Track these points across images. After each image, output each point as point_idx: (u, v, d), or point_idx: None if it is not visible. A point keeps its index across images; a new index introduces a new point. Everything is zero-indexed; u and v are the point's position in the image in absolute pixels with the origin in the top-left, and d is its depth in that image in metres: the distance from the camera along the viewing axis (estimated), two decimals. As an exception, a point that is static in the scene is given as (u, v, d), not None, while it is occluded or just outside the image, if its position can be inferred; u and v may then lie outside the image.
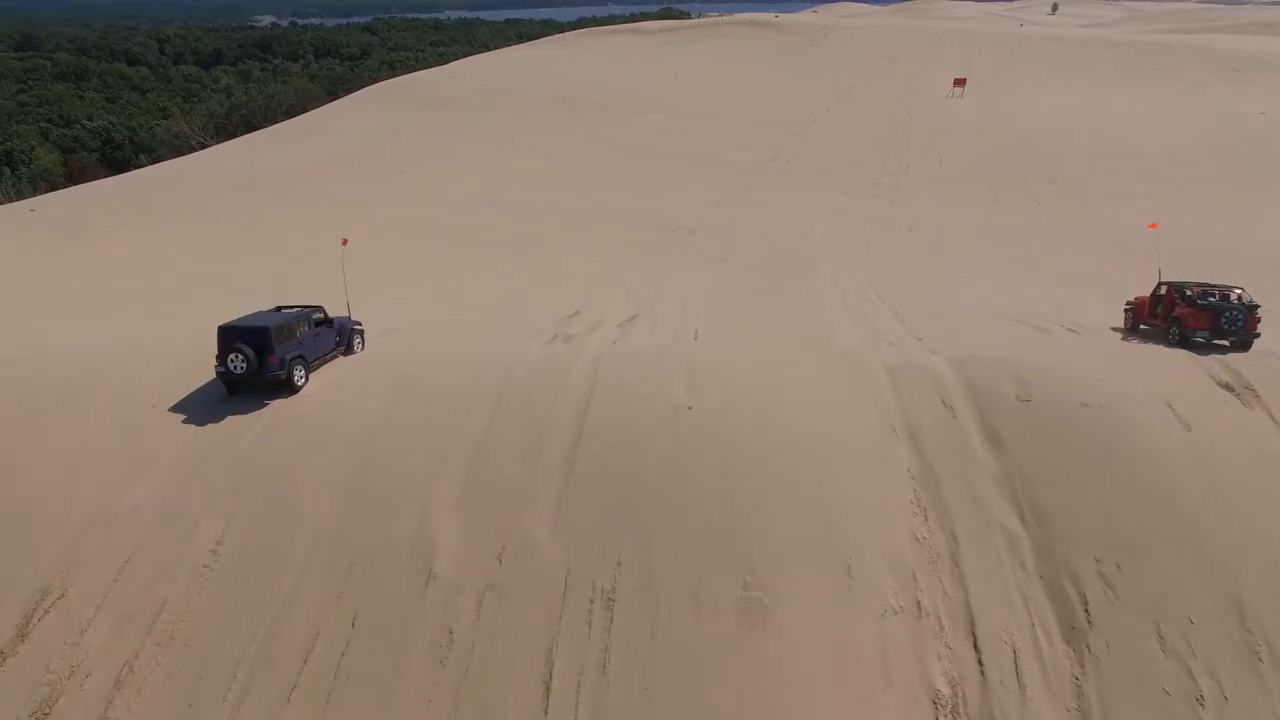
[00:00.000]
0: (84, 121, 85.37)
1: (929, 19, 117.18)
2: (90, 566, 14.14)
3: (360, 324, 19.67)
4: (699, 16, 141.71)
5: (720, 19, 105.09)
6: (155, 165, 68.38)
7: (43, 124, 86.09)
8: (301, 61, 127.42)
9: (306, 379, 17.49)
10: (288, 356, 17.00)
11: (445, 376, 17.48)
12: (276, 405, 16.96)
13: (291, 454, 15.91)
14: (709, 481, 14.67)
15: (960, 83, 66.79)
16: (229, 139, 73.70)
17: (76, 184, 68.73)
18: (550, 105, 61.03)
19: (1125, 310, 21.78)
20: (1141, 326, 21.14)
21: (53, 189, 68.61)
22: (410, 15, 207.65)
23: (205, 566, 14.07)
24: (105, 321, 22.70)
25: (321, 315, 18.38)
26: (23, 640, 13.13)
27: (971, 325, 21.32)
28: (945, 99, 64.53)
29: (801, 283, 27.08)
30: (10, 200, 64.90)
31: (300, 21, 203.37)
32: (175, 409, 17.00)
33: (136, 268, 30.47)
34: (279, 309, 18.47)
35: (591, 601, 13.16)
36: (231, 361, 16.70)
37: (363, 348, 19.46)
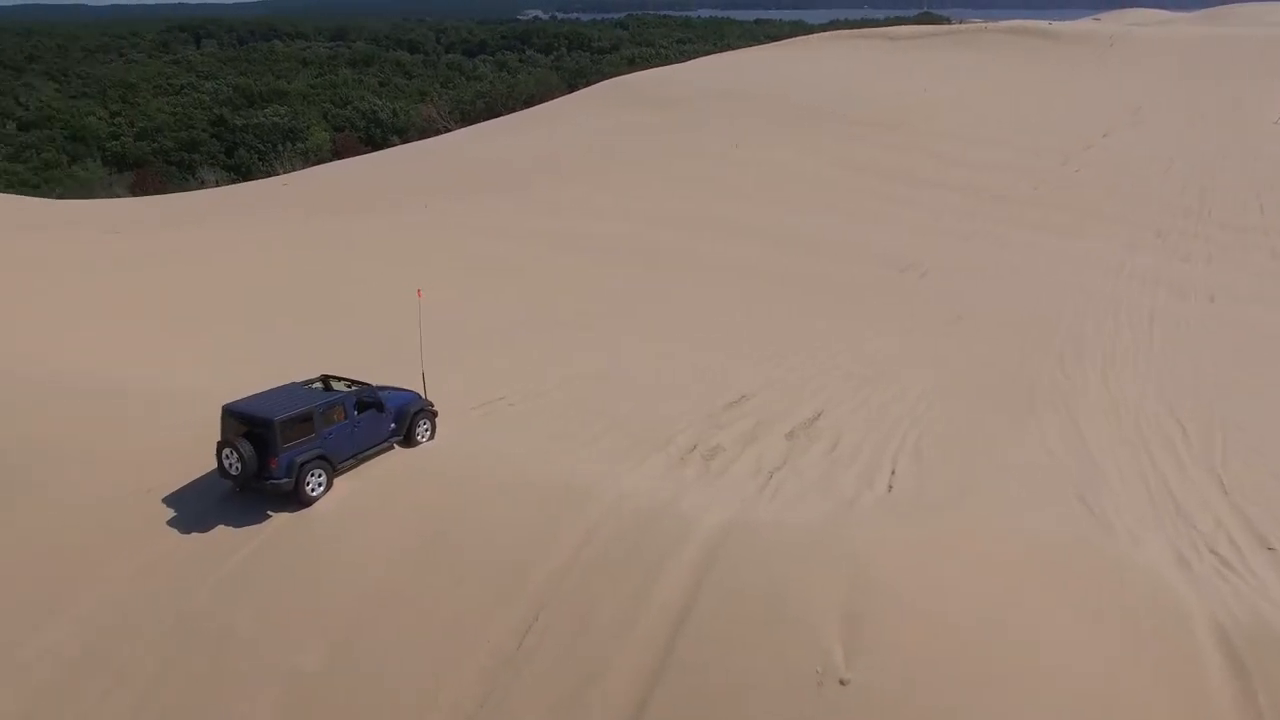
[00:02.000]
0: (356, 103, 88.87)
1: (1244, 25, 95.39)
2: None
3: (433, 406, 14.01)
4: (959, 22, 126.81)
5: (983, 25, 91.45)
6: (397, 147, 68.91)
7: (325, 105, 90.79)
8: (554, 54, 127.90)
9: (328, 487, 12.09)
10: (300, 459, 11.67)
11: (499, 520, 11.38)
12: (281, 521, 11.70)
13: (273, 591, 10.58)
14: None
15: (1289, 109, 51.37)
16: (470, 124, 73.18)
17: (339, 159, 71.34)
18: (780, 113, 53.52)
19: None
20: None
21: (319, 163, 71.44)
22: (663, 14, 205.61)
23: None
24: (190, 336, 18.87)
25: (371, 396, 12.90)
26: None
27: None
28: (1272, 126, 49.68)
29: (1059, 379, 18.37)
30: (288, 170, 68.17)
31: (561, 16, 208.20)
32: (169, 500, 12.22)
33: (283, 266, 27.29)
34: (323, 380, 13.26)
35: None
36: (226, 457, 11.64)
37: (430, 437, 13.76)
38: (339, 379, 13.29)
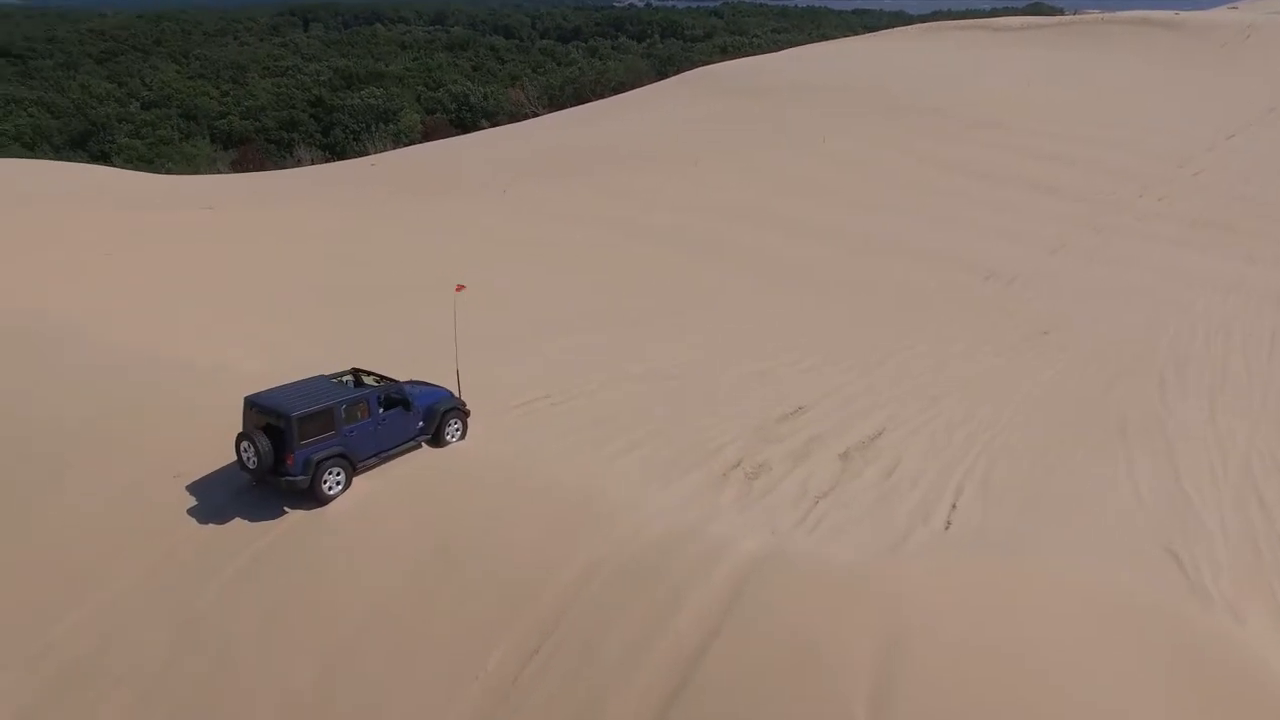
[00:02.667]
0: (449, 86, 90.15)
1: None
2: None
3: (465, 406, 13.40)
4: (1073, 13, 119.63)
5: (1100, 17, 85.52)
6: (484, 131, 69.39)
7: (419, 87, 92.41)
8: (646, 41, 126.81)
9: (346, 486, 11.62)
10: (317, 457, 11.23)
11: (514, 534, 10.66)
12: (295, 519, 11.30)
13: (278, 596, 10.19)
14: None
15: None
16: (558, 110, 73.15)
17: (428, 141, 72.55)
18: (871, 107, 51.12)
19: None
20: None
21: (410, 144, 72.79)
22: (759, 2, 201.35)
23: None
24: (254, 316, 18.86)
25: (398, 394, 12.36)
26: None
27: None
28: None
29: (1156, 409, 16.49)
30: (379, 151, 69.70)
31: (656, 3, 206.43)
32: (194, 487, 12.00)
33: (357, 247, 27.36)
34: (353, 374, 12.82)
35: None
36: (244, 450, 11.30)
37: (461, 437, 13.16)
38: (369, 373, 12.83)
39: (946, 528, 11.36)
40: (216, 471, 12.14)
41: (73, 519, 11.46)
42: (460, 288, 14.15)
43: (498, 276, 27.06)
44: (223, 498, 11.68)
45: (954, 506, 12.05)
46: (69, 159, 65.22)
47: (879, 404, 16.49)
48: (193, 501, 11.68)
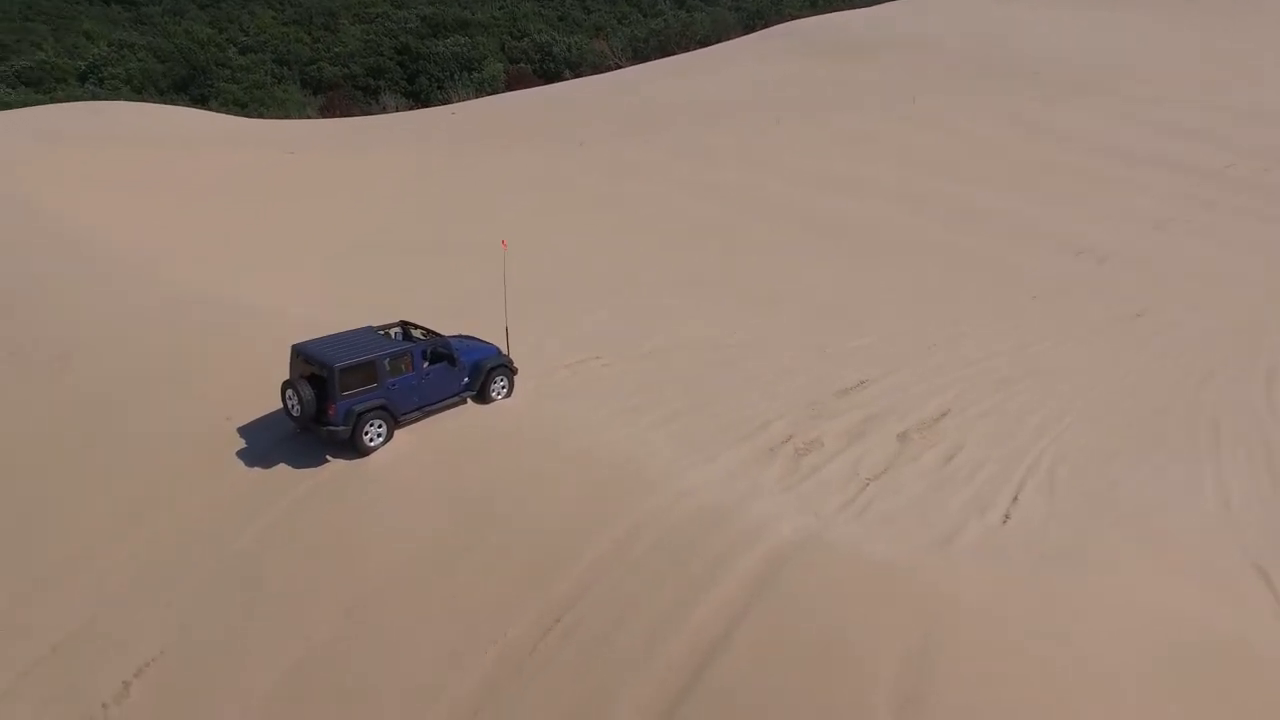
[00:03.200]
0: (533, 35, 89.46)
1: None
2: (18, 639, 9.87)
3: (513, 363, 13.19)
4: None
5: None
6: (566, 82, 68.72)
7: (503, 36, 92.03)
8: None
9: (387, 438, 11.59)
10: (359, 409, 11.20)
11: (548, 500, 10.43)
12: (335, 468, 11.34)
13: (311, 543, 10.28)
14: None
15: None
16: (642, 62, 71.81)
17: (511, 90, 72.44)
18: (966, 68, 48.21)
19: None
20: None
21: (492, 94, 72.85)
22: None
23: (104, 706, 9.02)
24: (319, 263, 19.06)
25: (444, 349, 12.23)
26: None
27: None
28: None
29: (1258, 409, 15.05)
30: (461, 99, 70.01)
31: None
32: (243, 430, 12.19)
33: (428, 197, 27.39)
34: (402, 326, 12.73)
35: None
36: (289, 398, 11.36)
37: (506, 395, 12.98)
38: (417, 326, 12.73)
39: (1004, 521, 10.63)
40: (265, 416, 12.30)
41: (127, 455, 11.81)
42: (505, 244, 13.84)
43: (564, 230, 26.81)
44: (269, 443, 11.82)
45: (1015, 500, 11.27)
46: (172, 103, 67.61)
47: (947, 384, 15.61)
48: (241, 444, 11.87)
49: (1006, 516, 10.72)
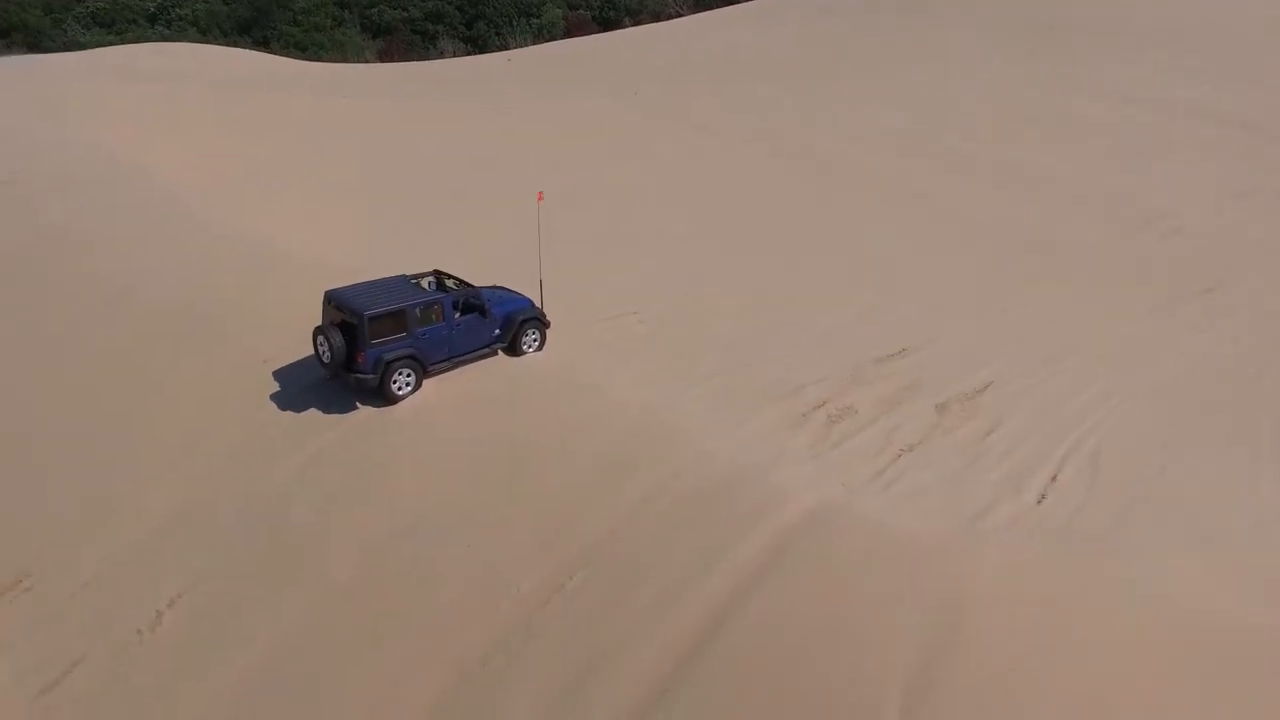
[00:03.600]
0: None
1: None
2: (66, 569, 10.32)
3: (545, 317, 13.08)
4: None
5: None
6: (625, 29, 67.47)
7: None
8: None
9: (416, 387, 11.65)
10: (388, 357, 11.26)
11: (570, 456, 10.38)
12: (364, 415, 11.48)
13: (336, 488, 10.46)
14: None
15: None
16: (704, 10, 70.01)
17: (570, 37, 71.42)
18: (1025, 22, 45.61)
19: None
20: None
21: (551, 40, 71.95)
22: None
23: (138, 632, 9.39)
24: (363, 209, 19.12)
25: (475, 299, 12.18)
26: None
27: None
28: None
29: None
30: (519, 45, 69.38)
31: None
32: (279, 374, 12.38)
33: (479, 144, 27.20)
34: (435, 275, 12.70)
35: None
36: (320, 344, 11.47)
37: (539, 348, 12.91)
38: (450, 276, 12.70)
39: (1039, 502, 10.25)
40: (299, 361, 12.47)
41: (170, 396, 12.13)
42: (541, 196, 13.63)
43: (614, 181, 26.43)
44: (302, 388, 12.01)
45: (1053, 480, 10.85)
46: (235, 44, 68.41)
47: (992, 356, 15.04)
48: (275, 388, 12.08)
49: (1042, 497, 10.34)
